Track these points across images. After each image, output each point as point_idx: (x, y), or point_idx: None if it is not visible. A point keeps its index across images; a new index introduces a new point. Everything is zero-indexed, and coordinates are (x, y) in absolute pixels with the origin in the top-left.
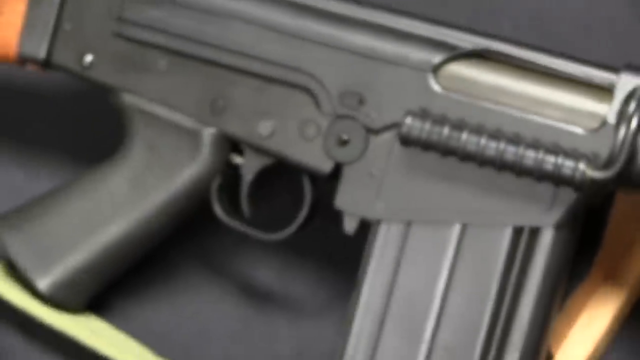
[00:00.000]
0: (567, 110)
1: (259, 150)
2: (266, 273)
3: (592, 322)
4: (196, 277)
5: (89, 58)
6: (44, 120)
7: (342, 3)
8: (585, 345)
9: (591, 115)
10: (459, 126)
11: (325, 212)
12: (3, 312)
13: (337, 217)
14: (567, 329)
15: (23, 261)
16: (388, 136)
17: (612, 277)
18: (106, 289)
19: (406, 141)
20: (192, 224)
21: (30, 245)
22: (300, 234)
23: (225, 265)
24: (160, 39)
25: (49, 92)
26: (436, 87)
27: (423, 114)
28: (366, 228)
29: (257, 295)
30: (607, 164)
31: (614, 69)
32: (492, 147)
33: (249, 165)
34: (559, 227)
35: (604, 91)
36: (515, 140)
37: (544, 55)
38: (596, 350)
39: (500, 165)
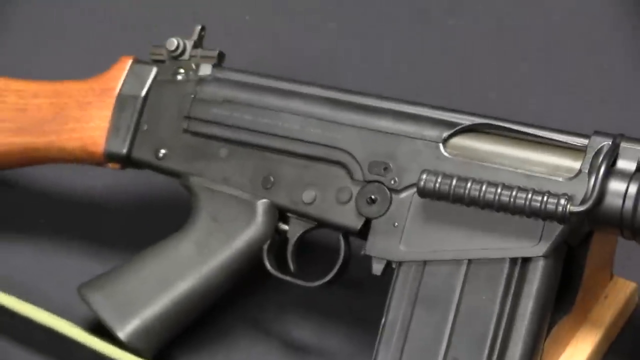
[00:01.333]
0: (550, 166)
1: (303, 216)
2: (303, 332)
3: (574, 357)
4: (246, 336)
5: (162, 151)
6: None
7: (367, 97)
8: None
9: (569, 167)
10: (464, 179)
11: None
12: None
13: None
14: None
15: (106, 314)
16: (408, 194)
17: (592, 316)
18: (175, 337)
19: (423, 193)
20: (244, 293)
21: (112, 301)
22: (332, 299)
23: (269, 326)
24: (222, 132)
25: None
26: (445, 154)
27: (434, 172)
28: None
29: (296, 350)
30: (583, 201)
31: (585, 135)
32: (490, 192)
33: (293, 230)
34: (546, 256)
35: (578, 150)
36: (509, 186)
37: (527, 127)
38: None
39: (498, 206)
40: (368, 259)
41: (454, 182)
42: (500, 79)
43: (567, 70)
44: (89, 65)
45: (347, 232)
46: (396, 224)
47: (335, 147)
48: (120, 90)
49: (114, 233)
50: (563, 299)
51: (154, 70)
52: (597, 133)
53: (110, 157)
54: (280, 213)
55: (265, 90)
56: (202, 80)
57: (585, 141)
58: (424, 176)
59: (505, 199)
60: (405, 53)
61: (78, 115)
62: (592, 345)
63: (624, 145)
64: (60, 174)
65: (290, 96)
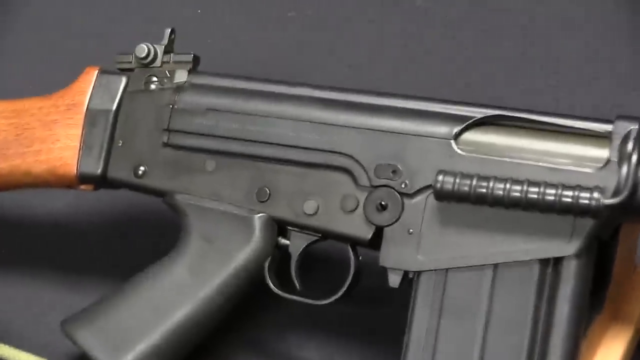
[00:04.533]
0: (574, 157)
1: (305, 228)
2: (309, 353)
3: (608, 357)
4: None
5: (142, 169)
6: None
7: (365, 94)
8: None
9: (595, 157)
10: (485, 177)
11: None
12: None
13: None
14: None
15: (98, 353)
16: (421, 197)
17: (621, 311)
18: None
19: (440, 195)
20: (240, 312)
21: (103, 338)
22: (340, 314)
23: (271, 347)
24: (207, 143)
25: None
26: (459, 151)
27: (451, 172)
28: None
29: None
30: (616, 193)
31: (607, 120)
32: (516, 190)
33: (295, 244)
34: (579, 255)
35: (602, 138)
36: (535, 182)
37: (544, 115)
38: None
39: (525, 204)
40: (378, 269)
41: (475, 181)
42: (482, 61)
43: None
44: (46, 80)
45: (355, 243)
46: (411, 230)
47: (335, 152)
48: (89, 104)
49: (87, 258)
50: (594, 296)
51: (124, 80)
52: (621, 118)
53: (83, 178)
54: (279, 227)
55: (250, 94)
56: (179, 88)
57: (608, 127)
58: (441, 177)
59: (533, 196)
60: (375, 38)
61: (43, 135)
62: (624, 342)
63: None
64: (13, 196)
65: (279, 99)
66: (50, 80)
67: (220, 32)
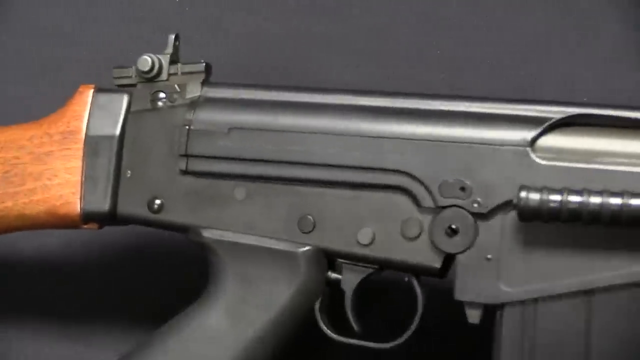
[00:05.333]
0: None
1: (360, 260)
2: None
3: None
4: None
5: (158, 202)
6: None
7: (418, 98)
8: None
9: None
10: (576, 191)
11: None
12: None
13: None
14: None
15: None
16: (498, 217)
17: None
18: None
19: (524, 216)
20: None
21: None
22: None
23: None
24: (233, 168)
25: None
26: (538, 160)
27: (535, 186)
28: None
29: None
30: None
31: None
32: (616, 203)
33: (348, 279)
34: None
35: None
36: (637, 192)
37: (632, 111)
38: None
39: (627, 220)
40: (449, 298)
41: (565, 196)
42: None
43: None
44: (33, 100)
45: (421, 274)
46: (489, 256)
47: (390, 169)
48: (87, 131)
49: (87, 301)
50: None
51: (125, 99)
52: None
53: (88, 217)
54: (329, 260)
55: (279, 107)
56: (193, 105)
57: None
58: (524, 194)
59: (636, 208)
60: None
61: (36, 171)
62: None
63: None
64: None
65: (316, 111)
66: (36, 98)
67: (205, 24)
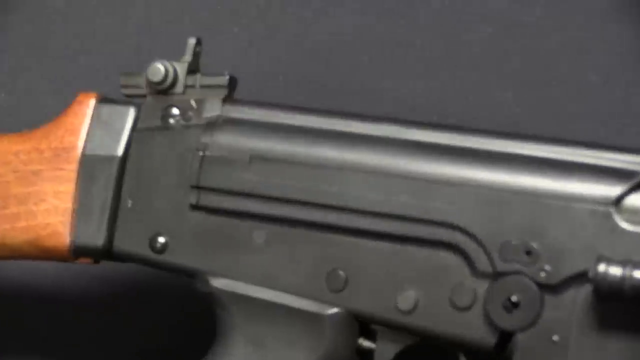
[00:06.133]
0: None
1: (399, 329)
2: None
3: None
4: None
5: (161, 240)
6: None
7: (482, 137)
8: None
9: None
10: None
11: None
12: None
13: None
14: None
15: None
16: (570, 290)
17: None
18: None
19: (602, 293)
20: None
21: None
22: None
23: None
24: (253, 207)
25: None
26: (622, 224)
27: (617, 258)
28: None
29: None
30: None
31: None
32: None
33: (384, 350)
34: None
35: None
36: None
37: None
38: None
39: None
40: None
41: None
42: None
43: None
44: (27, 108)
45: (471, 351)
46: (555, 338)
47: (440, 222)
48: (85, 149)
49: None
50: None
51: (132, 113)
52: None
53: (80, 252)
54: (361, 324)
55: (314, 135)
56: (210, 126)
57: None
58: (602, 267)
59: None
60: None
61: (22, 193)
62: None
63: None
64: None
65: (356, 143)
66: (31, 106)
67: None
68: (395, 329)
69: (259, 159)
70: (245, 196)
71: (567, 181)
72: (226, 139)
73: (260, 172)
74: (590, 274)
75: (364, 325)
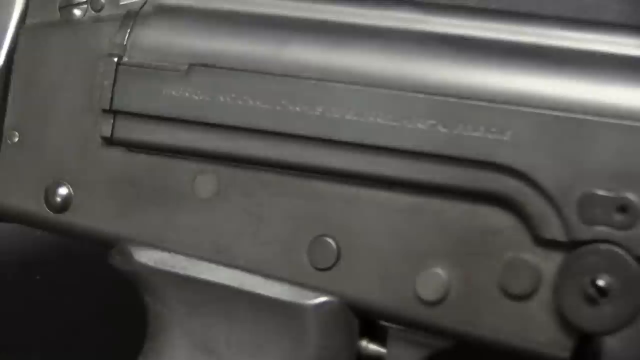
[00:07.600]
0: None
1: (421, 327)
2: None
3: None
4: None
5: (62, 190)
6: None
7: (546, 27)
8: None
9: None
10: None
11: None
12: None
13: None
14: None
15: None
16: None
17: None
18: None
19: None
20: None
21: None
22: None
23: None
24: (194, 139)
25: None
26: None
27: None
28: None
29: None
30: None
31: None
32: None
33: (398, 357)
34: None
35: None
36: None
37: None
38: None
39: None
40: None
41: None
42: None
43: None
44: None
45: None
46: None
47: (483, 163)
48: None
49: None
50: None
51: (20, 3)
52: None
53: None
54: (363, 321)
55: (284, 28)
56: (130, 18)
57: None
58: None
59: None
60: None
61: None
62: None
63: None
64: None
65: (350, 40)
66: None
67: None
68: (414, 327)
69: (201, 67)
70: (182, 123)
71: None
72: (153, 38)
73: (204, 87)
74: None
75: (368, 321)
